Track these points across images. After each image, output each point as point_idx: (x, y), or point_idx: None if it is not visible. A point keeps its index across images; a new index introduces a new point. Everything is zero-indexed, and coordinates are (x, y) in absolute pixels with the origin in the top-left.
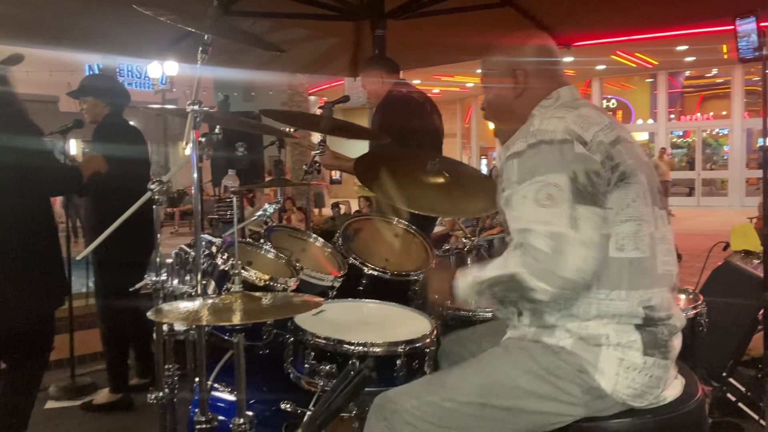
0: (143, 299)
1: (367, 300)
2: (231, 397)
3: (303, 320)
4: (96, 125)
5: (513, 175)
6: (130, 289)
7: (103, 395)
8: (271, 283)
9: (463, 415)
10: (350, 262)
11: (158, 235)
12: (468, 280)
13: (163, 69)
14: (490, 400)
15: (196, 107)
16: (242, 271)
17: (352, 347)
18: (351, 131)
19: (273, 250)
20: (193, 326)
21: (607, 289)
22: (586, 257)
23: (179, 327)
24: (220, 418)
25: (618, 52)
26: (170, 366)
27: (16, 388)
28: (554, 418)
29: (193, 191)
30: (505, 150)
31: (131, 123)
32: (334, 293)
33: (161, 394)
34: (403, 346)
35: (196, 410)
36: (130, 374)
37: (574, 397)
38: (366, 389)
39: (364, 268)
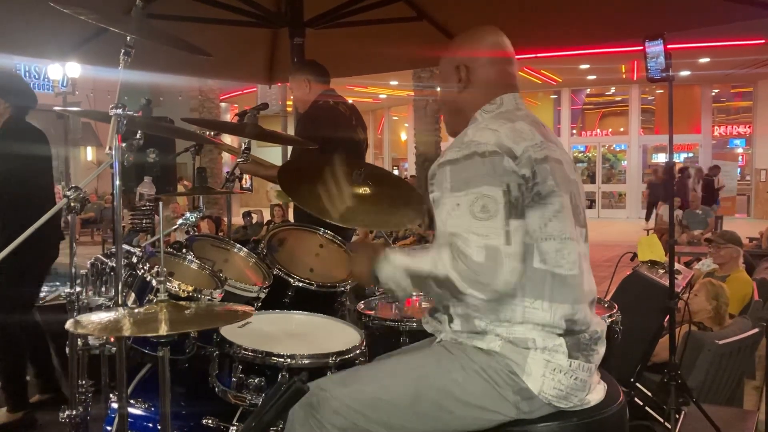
0: (44, 312)
1: (294, 311)
2: (146, 413)
3: (229, 332)
4: None
5: (446, 182)
6: (39, 301)
7: (1, 415)
8: (195, 295)
9: (395, 407)
10: (275, 273)
11: (74, 245)
12: (396, 263)
13: (64, 71)
14: (423, 392)
15: (119, 111)
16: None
17: (282, 360)
18: (276, 138)
19: (196, 261)
20: (111, 339)
21: (531, 297)
22: (513, 270)
23: (94, 341)
24: None
25: (525, 68)
26: (84, 382)
27: None
28: (488, 415)
29: (113, 198)
30: (439, 156)
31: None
32: (259, 304)
33: (74, 412)
34: (333, 358)
35: (109, 428)
36: (30, 391)
37: (506, 396)
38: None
39: (290, 279)
